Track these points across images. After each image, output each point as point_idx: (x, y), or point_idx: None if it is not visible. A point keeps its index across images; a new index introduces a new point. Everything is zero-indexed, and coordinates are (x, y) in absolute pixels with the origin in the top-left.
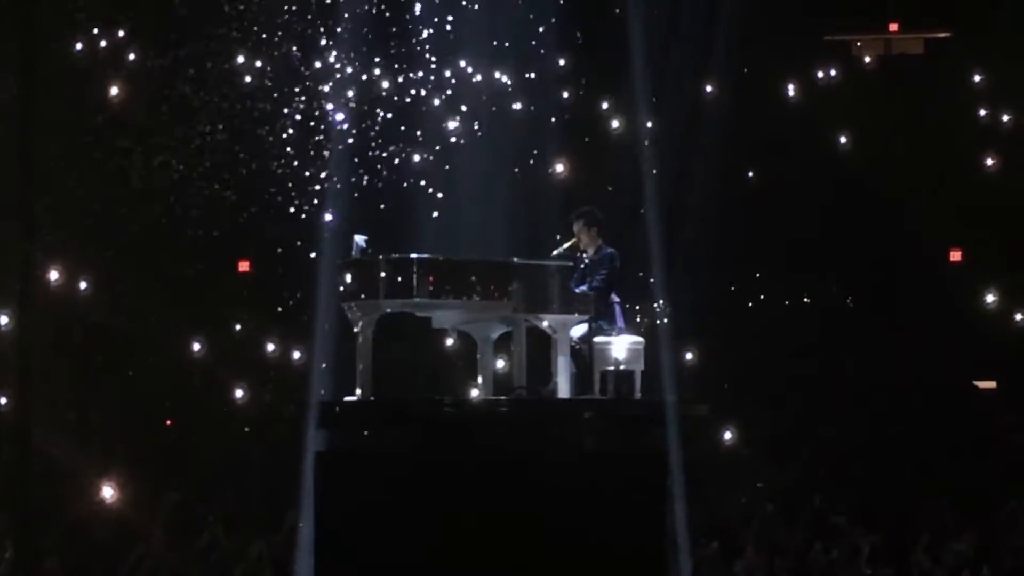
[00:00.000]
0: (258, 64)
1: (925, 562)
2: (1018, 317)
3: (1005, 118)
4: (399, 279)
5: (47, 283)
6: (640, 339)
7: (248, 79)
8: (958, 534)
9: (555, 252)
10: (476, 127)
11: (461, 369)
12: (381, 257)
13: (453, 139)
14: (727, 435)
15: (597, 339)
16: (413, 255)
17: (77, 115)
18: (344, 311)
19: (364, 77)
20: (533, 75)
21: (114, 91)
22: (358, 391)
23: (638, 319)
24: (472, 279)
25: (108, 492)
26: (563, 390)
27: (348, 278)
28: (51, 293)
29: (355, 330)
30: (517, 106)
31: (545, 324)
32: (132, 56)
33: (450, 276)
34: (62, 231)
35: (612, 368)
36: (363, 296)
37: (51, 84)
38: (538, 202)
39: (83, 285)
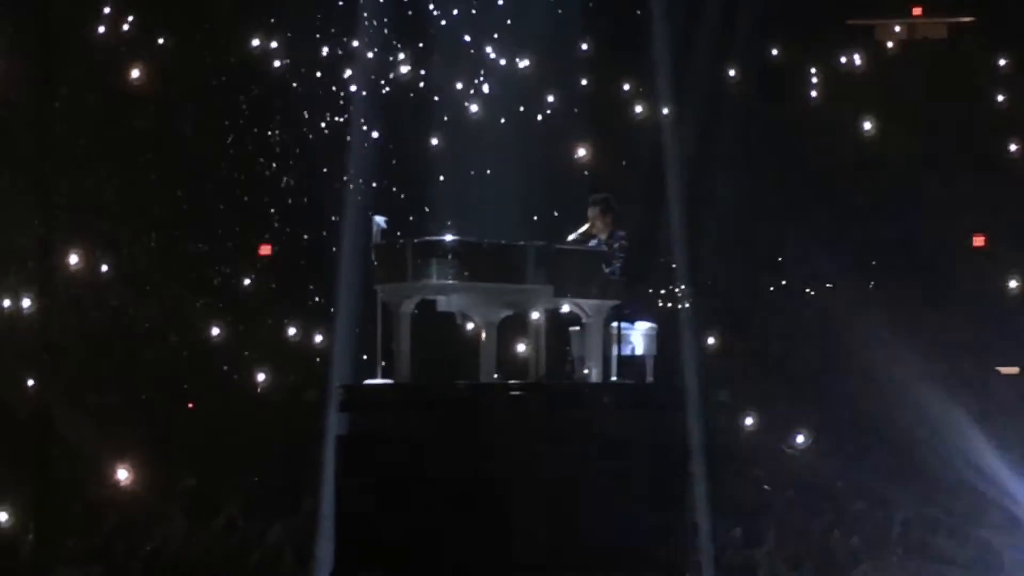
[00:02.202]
0: (275, 45)
1: (947, 547)
2: None
3: None
4: (431, 261)
5: (67, 266)
6: (654, 325)
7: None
8: (980, 520)
9: (570, 237)
10: (497, 112)
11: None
12: (416, 240)
13: (473, 123)
14: (748, 420)
15: (612, 325)
16: (448, 237)
17: (98, 97)
18: (375, 294)
19: (385, 60)
20: (555, 60)
21: (135, 73)
22: (397, 375)
23: (660, 303)
24: (512, 263)
25: (123, 474)
26: (596, 375)
27: (380, 261)
28: (72, 277)
29: (393, 312)
30: (539, 90)
31: (584, 309)
32: (157, 39)
33: (489, 260)
34: (83, 214)
35: (627, 354)
36: (394, 279)
37: (71, 67)
38: (558, 187)
39: (104, 268)
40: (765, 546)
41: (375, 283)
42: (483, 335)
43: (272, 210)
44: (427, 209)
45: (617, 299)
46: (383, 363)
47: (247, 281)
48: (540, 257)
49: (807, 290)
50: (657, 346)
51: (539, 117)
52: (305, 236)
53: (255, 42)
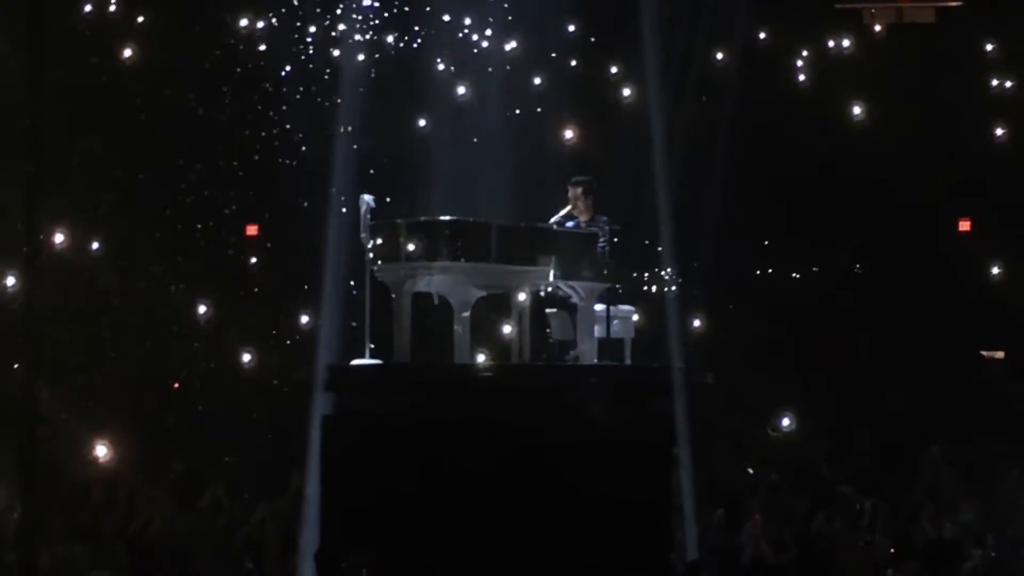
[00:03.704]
0: (262, 24)
1: (930, 531)
2: None
3: (1016, 88)
4: (429, 242)
5: (53, 245)
6: (631, 307)
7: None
8: (962, 504)
9: (553, 219)
10: (484, 91)
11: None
12: (422, 219)
13: (459, 103)
14: (733, 403)
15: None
16: (445, 218)
17: (85, 76)
18: (363, 274)
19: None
20: (541, 40)
21: (125, 53)
22: (398, 356)
23: (645, 287)
24: (510, 244)
25: (107, 453)
26: (589, 357)
27: (374, 241)
28: (57, 256)
29: (392, 295)
30: (526, 71)
31: (578, 291)
32: (140, 18)
33: (491, 240)
34: (69, 193)
35: (604, 336)
36: (389, 259)
37: (59, 45)
38: (543, 169)
39: (90, 247)
40: (748, 529)
41: (371, 263)
42: (458, 316)
43: (259, 190)
44: (413, 189)
45: (610, 281)
46: (371, 345)
47: (234, 261)
48: (546, 239)
49: (793, 274)
50: (634, 328)
51: (525, 99)
52: (292, 215)
53: (243, 21)
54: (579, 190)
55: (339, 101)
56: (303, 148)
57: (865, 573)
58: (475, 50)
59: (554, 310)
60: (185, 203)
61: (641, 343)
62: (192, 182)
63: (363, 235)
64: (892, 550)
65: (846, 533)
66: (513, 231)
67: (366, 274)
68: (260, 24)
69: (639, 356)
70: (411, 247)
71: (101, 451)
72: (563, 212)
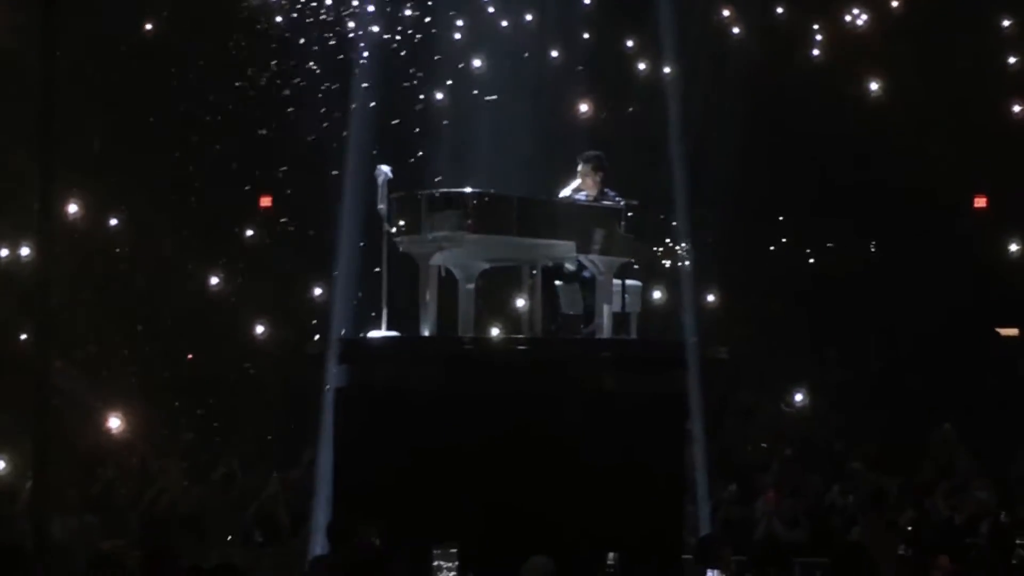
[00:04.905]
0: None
1: (943, 509)
2: None
3: None
4: (454, 214)
5: (67, 216)
6: (638, 282)
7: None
8: (976, 481)
9: (562, 194)
10: (498, 66)
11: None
12: (447, 191)
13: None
14: (748, 378)
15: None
16: (469, 190)
17: (100, 46)
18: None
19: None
20: (557, 14)
21: (142, 25)
22: (425, 327)
23: (662, 262)
24: (533, 217)
25: (115, 423)
26: (606, 330)
27: (395, 213)
28: (71, 226)
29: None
30: (541, 46)
31: (597, 265)
32: None
33: (514, 213)
34: (83, 165)
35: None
36: (411, 232)
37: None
38: (559, 143)
39: (104, 219)
40: (762, 505)
41: (392, 236)
42: (462, 288)
43: (274, 161)
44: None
45: (627, 256)
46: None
47: (249, 232)
48: (568, 212)
49: (807, 250)
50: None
51: (540, 72)
52: (307, 187)
53: None
54: (589, 166)
55: (355, 72)
56: (319, 121)
57: (881, 550)
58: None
59: (561, 283)
60: (199, 174)
61: (655, 317)
62: (206, 154)
63: (380, 207)
64: (909, 528)
65: (861, 508)
66: (536, 204)
67: (384, 245)
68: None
69: (654, 331)
70: (436, 219)
71: (114, 423)
72: (572, 186)
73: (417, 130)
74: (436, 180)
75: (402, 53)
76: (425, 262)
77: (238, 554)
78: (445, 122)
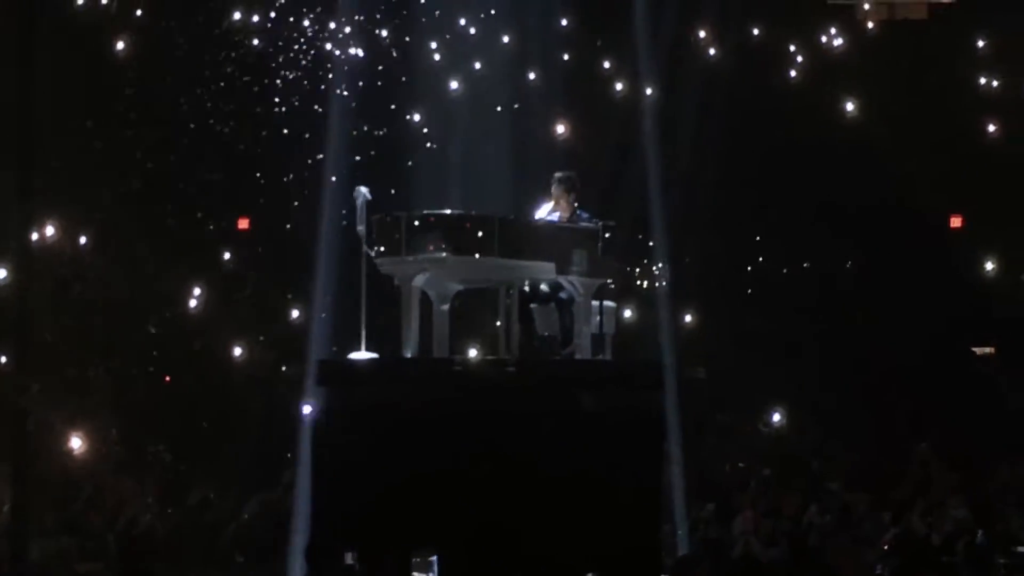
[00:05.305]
0: (256, 19)
1: (921, 527)
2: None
3: (1007, 85)
4: (435, 235)
5: (44, 237)
6: (613, 303)
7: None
8: (953, 499)
9: (536, 215)
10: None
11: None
12: (427, 213)
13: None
14: (725, 398)
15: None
16: (449, 211)
17: (77, 69)
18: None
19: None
20: (534, 35)
21: (118, 44)
22: (407, 349)
23: (638, 282)
24: (513, 238)
25: (76, 443)
26: (585, 351)
27: (375, 234)
28: (49, 248)
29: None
30: (519, 66)
31: (576, 286)
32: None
33: (494, 234)
34: (61, 185)
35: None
36: (391, 253)
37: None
38: (536, 164)
39: (82, 240)
40: (740, 524)
41: (373, 257)
42: (436, 309)
43: (251, 183)
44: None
45: (606, 277)
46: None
47: (226, 255)
48: (548, 233)
49: (783, 269)
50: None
51: (518, 93)
52: (284, 209)
53: (236, 15)
54: (562, 187)
55: (336, 93)
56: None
57: (856, 570)
58: (469, 44)
59: (536, 305)
60: (177, 195)
61: (630, 337)
62: (184, 175)
63: (360, 228)
64: (885, 547)
65: (837, 529)
66: (516, 225)
67: (362, 267)
68: (255, 18)
69: (630, 351)
70: (417, 241)
71: (76, 443)
72: (545, 207)
73: (395, 151)
74: (414, 201)
75: (381, 74)
76: (407, 283)
77: None
78: (428, 145)
